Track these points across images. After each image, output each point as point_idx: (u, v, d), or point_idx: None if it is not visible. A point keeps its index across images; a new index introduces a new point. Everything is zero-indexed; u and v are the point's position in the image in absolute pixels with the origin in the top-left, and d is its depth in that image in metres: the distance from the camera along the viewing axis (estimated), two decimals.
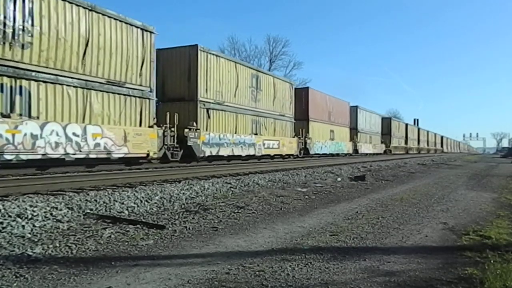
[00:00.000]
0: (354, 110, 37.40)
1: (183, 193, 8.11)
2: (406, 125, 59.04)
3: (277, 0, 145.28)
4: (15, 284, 3.27)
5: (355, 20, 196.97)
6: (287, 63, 57.92)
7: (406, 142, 56.63)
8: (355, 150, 36.27)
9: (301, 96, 26.90)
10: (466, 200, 8.93)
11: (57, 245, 4.34)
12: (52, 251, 4.16)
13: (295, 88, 26.70)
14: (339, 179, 12.95)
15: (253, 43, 72.86)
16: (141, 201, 7.12)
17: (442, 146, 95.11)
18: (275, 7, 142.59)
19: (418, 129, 69.08)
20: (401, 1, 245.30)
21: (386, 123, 48.67)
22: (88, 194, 7.39)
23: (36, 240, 4.53)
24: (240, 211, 6.75)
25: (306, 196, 8.83)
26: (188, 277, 3.52)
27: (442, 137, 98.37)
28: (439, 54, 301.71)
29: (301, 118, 26.28)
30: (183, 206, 6.97)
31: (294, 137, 24.53)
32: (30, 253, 4.03)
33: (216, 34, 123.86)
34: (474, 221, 6.45)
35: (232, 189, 9.31)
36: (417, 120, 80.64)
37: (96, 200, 6.84)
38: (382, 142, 45.89)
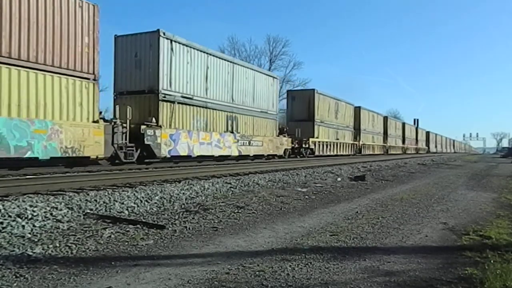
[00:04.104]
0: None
1: (183, 193, 8.11)
2: (358, 108, 38.39)
3: (280, 4, 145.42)
4: (15, 284, 3.27)
5: (355, 25, 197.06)
6: (287, 63, 57.44)
7: (356, 137, 37.85)
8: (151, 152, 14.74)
9: None
10: (466, 200, 8.94)
11: (57, 245, 4.34)
12: (52, 251, 4.16)
13: None
14: (339, 179, 12.96)
15: (253, 43, 72.83)
16: (141, 201, 7.12)
17: (428, 144, 77.48)
18: (278, 11, 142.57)
19: (386, 119, 47.84)
20: (404, 8, 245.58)
21: (304, 98, 29.38)
22: (88, 194, 7.38)
23: (36, 240, 4.53)
24: (240, 211, 6.76)
25: (306, 196, 8.83)
26: (188, 277, 3.52)
27: (428, 133, 78.58)
28: (441, 58, 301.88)
29: None
30: (183, 206, 6.97)
31: None
32: (30, 253, 4.03)
33: (218, 36, 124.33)
34: (474, 221, 6.45)
35: (232, 189, 9.31)
36: (417, 120, 75.07)
37: (96, 200, 6.84)
38: (286, 133, 25.81)
